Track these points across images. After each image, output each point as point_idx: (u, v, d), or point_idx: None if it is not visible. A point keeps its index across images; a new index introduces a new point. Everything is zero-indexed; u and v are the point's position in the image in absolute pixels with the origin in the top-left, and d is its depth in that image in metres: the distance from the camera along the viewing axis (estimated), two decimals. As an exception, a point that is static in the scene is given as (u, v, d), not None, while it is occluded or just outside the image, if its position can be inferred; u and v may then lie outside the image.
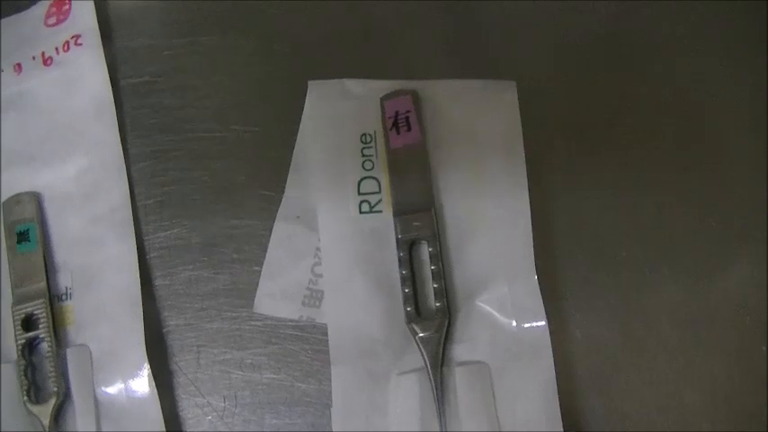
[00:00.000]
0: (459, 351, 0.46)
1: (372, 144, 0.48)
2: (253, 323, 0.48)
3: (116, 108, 0.51)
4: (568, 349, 0.47)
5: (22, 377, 0.45)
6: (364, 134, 0.48)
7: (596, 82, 0.52)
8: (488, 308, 0.46)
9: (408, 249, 0.46)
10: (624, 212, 0.50)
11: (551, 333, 0.46)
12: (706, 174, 0.50)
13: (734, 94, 0.52)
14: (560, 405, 0.45)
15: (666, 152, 0.51)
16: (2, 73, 0.51)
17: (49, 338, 0.46)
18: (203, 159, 0.50)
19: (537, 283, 0.46)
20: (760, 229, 0.49)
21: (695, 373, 0.48)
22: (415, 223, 0.46)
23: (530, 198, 0.48)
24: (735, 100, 0.52)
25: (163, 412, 0.46)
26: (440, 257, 0.46)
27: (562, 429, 0.44)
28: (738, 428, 0.46)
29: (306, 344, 0.47)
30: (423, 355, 0.45)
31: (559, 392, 0.45)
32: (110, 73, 0.51)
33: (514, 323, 0.45)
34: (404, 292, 0.45)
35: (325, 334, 0.47)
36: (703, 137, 0.51)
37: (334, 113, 0.49)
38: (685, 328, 0.48)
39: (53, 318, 0.47)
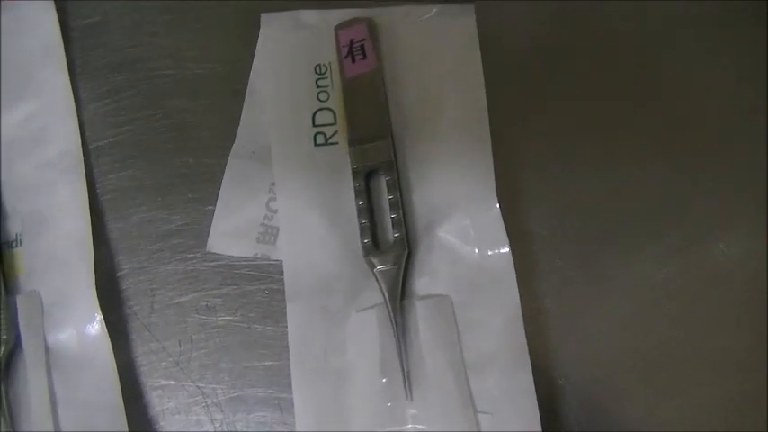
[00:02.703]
0: (421, 284, 0.44)
1: (327, 75, 0.46)
2: (207, 264, 0.46)
3: (67, 50, 0.49)
4: (537, 286, 0.45)
5: (-30, 325, 0.43)
6: (319, 65, 0.46)
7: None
8: (450, 238, 0.44)
9: (365, 180, 0.44)
10: (595, 146, 0.48)
11: (517, 270, 0.44)
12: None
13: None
14: (528, 341, 0.43)
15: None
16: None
17: (-3, 285, 0.44)
18: (156, 98, 0.49)
19: (499, 210, 0.43)
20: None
21: (667, 314, 0.46)
22: (370, 152, 0.44)
23: (493, 127, 0.46)
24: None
25: (116, 359, 0.44)
26: (397, 186, 0.44)
27: (529, 361, 0.42)
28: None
29: (262, 284, 0.45)
30: (381, 288, 0.42)
31: (527, 329, 0.43)
32: (60, 14, 0.49)
33: (476, 252, 0.43)
34: (360, 223, 0.43)
35: (282, 273, 0.45)
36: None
37: (288, 45, 0.47)
38: (660, 264, 0.46)
39: (2, 264, 0.45)
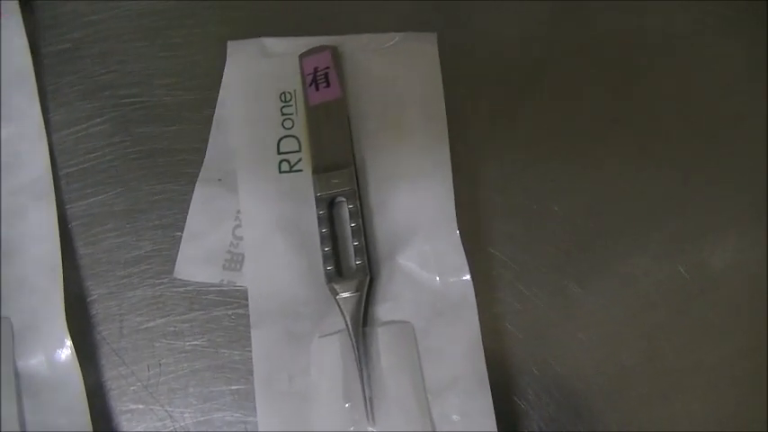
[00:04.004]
0: (383, 311, 0.45)
1: (292, 102, 0.47)
2: (175, 289, 0.47)
3: (38, 76, 0.49)
4: (498, 310, 0.46)
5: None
6: (284, 92, 0.47)
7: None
8: (411, 265, 0.45)
9: (328, 208, 0.45)
10: (554, 168, 0.48)
11: (477, 293, 0.44)
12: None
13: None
14: (489, 364, 0.44)
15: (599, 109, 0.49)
16: None
17: (-32, 312, 0.45)
18: (126, 125, 0.49)
19: (459, 237, 0.44)
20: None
21: (632, 333, 0.46)
22: (334, 180, 0.45)
23: (459, 153, 0.47)
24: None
25: (86, 383, 0.45)
26: (359, 214, 0.44)
27: (488, 386, 0.43)
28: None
29: (229, 308, 0.46)
30: (343, 315, 0.43)
31: (489, 352, 0.44)
32: (31, 40, 0.50)
33: (437, 279, 0.44)
34: (323, 251, 0.44)
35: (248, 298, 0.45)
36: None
37: (254, 73, 0.48)
38: (621, 283, 0.47)
39: (-27, 291, 0.45)
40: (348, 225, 0.45)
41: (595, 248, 0.47)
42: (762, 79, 0.50)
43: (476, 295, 0.44)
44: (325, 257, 0.44)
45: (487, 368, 0.43)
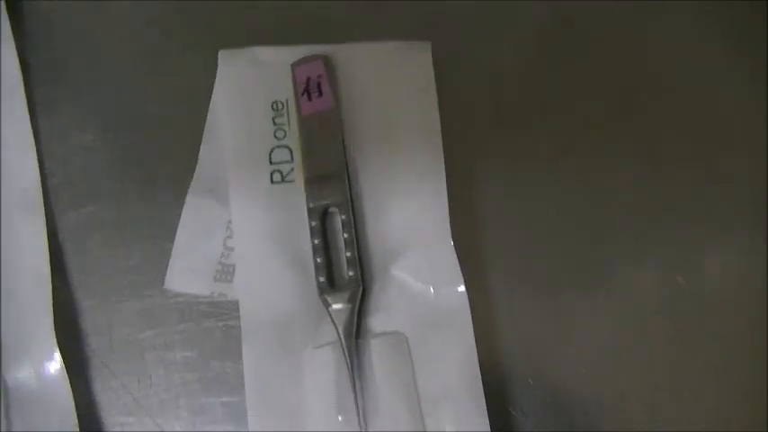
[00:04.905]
0: (376, 322, 0.44)
1: (284, 112, 0.47)
2: (165, 301, 0.46)
3: (27, 86, 0.49)
4: (493, 320, 0.46)
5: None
6: (275, 102, 0.47)
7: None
8: (405, 276, 0.44)
9: (321, 218, 0.44)
10: (550, 178, 0.48)
11: (472, 304, 0.44)
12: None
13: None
14: (484, 375, 0.43)
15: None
16: None
17: (-45, 325, 0.44)
18: (116, 135, 0.49)
19: (453, 248, 0.44)
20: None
21: (629, 342, 0.46)
22: (326, 191, 0.44)
23: (453, 162, 0.46)
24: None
25: (75, 396, 0.44)
26: (352, 225, 0.44)
27: (484, 400, 0.42)
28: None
29: (219, 320, 0.46)
30: (336, 326, 0.43)
31: (484, 363, 0.44)
32: (20, 51, 0.49)
33: (432, 290, 0.44)
34: (315, 262, 0.44)
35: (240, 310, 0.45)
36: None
37: (245, 82, 0.47)
38: (618, 291, 0.47)
39: (-39, 304, 0.45)
40: (341, 236, 0.44)
41: (591, 257, 0.46)
42: (762, 80, 0.49)
43: (470, 306, 0.43)
44: (318, 268, 0.44)
45: (482, 379, 0.43)
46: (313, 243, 0.44)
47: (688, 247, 0.47)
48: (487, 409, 0.43)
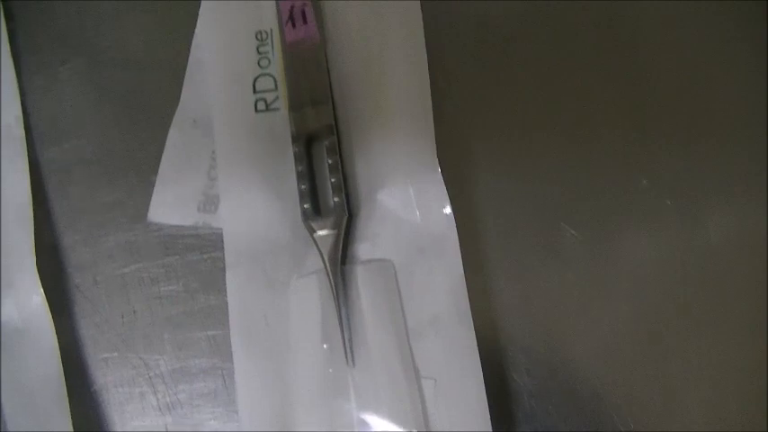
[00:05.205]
0: (363, 249, 0.43)
1: (268, 41, 0.46)
2: (150, 234, 0.45)
3: (8, 23, 0.48)
4: (479, 248, 0.44)
5: None
6: (260, 31, 0.46)
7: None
8: (391, 201, 0.43)
9: (305, 145, 0.43)
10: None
11: (460, 236, 0.43)
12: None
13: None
14: (473, 303, 0.42)
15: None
16: None
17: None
18: (98, 72, 0.48)
19: (440, 175, 0.43)
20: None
21: (616, 272, 0.45)
22: (310, 116, 0.43)
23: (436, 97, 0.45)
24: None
25: (59, 333, 0.43)
26: (337, 150, 0.43)
27: (472, 324, 0.41)
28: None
29: (204, 253, 0.45)
30: (321, 253, 0.42)
31: (471, 293, 0.42)
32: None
33: (418, 214, 0.43)
34: (300, 188, 0.43)
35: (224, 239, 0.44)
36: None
37: (229, 13, 0.46)
38: (607, 225, 0.45)
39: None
40: (326, 163, 0.43)
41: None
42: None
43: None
44: (302, 195, 0.43)
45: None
46: (297, 170, 0.43)
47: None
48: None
